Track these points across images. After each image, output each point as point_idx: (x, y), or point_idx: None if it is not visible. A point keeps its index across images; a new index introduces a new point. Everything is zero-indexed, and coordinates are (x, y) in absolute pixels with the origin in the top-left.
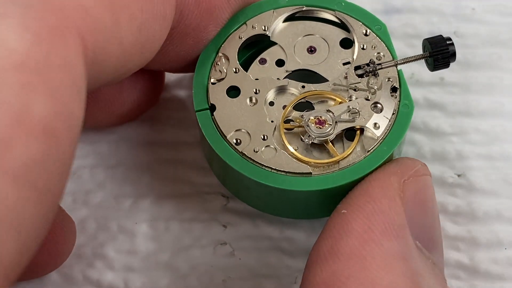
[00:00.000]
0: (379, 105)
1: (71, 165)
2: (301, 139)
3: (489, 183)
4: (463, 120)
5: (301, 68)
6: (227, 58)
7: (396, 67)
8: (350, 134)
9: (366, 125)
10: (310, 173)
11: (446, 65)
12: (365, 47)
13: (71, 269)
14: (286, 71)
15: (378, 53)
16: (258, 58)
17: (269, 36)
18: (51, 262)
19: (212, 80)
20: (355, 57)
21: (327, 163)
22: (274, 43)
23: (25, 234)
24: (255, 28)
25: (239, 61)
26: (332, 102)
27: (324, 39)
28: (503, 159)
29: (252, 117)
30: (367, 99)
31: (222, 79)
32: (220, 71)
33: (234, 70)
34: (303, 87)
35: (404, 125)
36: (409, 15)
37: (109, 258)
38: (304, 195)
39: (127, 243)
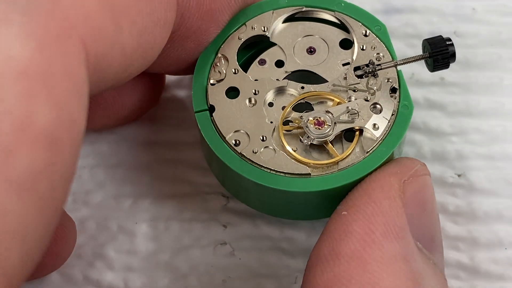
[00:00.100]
0: (378, 106)
1: (74, 172)
2: (300, 140)
3: (489, 183)
4: (463, 120)
5: (300, 69)
6: (227, 59)
7: (396, 67)
8: (349, 135)
9: (365, 126)
10: (309, 174)
11: (446, 65)
12: (364, 48)
13: (71, 269)
14: (286, 72)
15: (378, 53)
16: (258, 59)
17: (268, 37)
18: (52, 262)
19: (211, 81)
20: (354, 57)
21: (326, 164)
22: (273, 44)
23: (29, 243)
24: (254, 28)
25: (238, 62)
26: (331, 103)
27: (323, 40)
28: (503, 159)
29: (251, 118)
30: (366, 100)
31: (222, 80)
32: (219, 72)
33: (234, 71)
34: (303, 88)
35: (404, 126)
36: (409, 15)
37: (109, 258)
38: (303, 196)
39: (127, 243)
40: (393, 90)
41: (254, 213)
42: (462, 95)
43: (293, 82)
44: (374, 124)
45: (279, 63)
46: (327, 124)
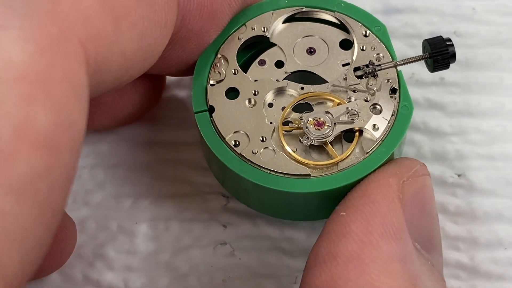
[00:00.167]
0: (378, 106)
1: (74, 175)
2: (300, 141)
3: (489, 183)
4: (463, 120)
5: (300, 69)
6: (226, 60)
7: (396, 68)
8: (349, 135)
9: (365, 127)
10: (309, 174)
11: (446, 66)
12: (364, 48)
13: (71, 269)
14: (285, 72)
15: (378, 54)
16: (257, 60)
17: (268, 38)
18: (52, 263)
19: (211, 82)
20: (354, 58)
21: (326, 164)
22: (273, 44)
23: (28, 246)
24: (254, 29)
25: (238, 63)
26: (331, 104)
27: (323, 40)
28: (504, 159)
29: (251, 118)
30: (366, 101)
31: (221, 80)
32: (219, 72)
33: (233, 72)
34: (302, 88)
35: (403, 126)
36: (409, 15)
37: (109, 258)
38: (303, 196)
39: (127, 243)
40: (393, 91)
41: (254, 213)
42: (462, 95)
43: (293, 82)
44: (374, 125)
45: (279, 64)
46: (326, 125)
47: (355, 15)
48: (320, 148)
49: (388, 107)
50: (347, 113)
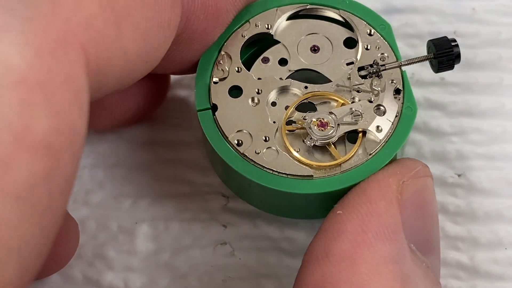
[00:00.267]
0: (382, 107)
1: (74, 181)
2: (303, 141)
3: (489, 183)
4: (463, 120)
5: (304, 67)
6: (230, 57)
7: (400, 68)
8: (352, 136)
9: (369, 128)
10: (312, 175)
11: (450, 66)
12: (369, 48)
13: (71, 269)
14: (289, 70)
15: (382, 53)
16: (261, 57)
17: (272, 35)
18: (54, 264)
19: (214, 79)
20: (358, 57)
21: (329, 166)
22: (276, 41)
23: (26, 255)
24: (258, 26)
25: (241, 59)
26: (334, 104)
27: (327, 38)
28: (504, 159)
29: (254, 117)
30: (370, 101)
31: (225, 78)
32: (222, 70)
33: (237, 69)
34: (306, 87)
35: (407, 128)
36: (409, 15)
37: (109, 258)
38: (305, 197)
39: (127, 243)
40: (397, 91)
41: (254, 213)
42: (462, 95)
43: (297, 81)
44: (378, 126)
45: (283, 62)
46: (330, 126)
47: (360, 13)
48: (323, 148)
49: (392, 108)
50: (351, 114)
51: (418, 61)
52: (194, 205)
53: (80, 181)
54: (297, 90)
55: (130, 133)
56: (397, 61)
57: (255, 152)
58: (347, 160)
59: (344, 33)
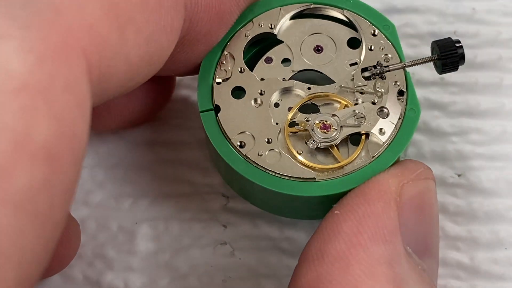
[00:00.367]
0: (385, 109)
1: (76, 188)
2: (306, 143)
3: (489, 183)
4: (463, 120)
5: (307, 68)
6: (233, 57)
7: (404, 69)
8: (355, 138)
9: (372, 131)
10: (314, 178)
11: (454, 68)
12: (372, 48)
13: (71, 269)
14: (292, 71)
15: (386, 54)
16: (264, 57)
17: (275, 35)
18: (55, 265)
19: (217, 80)
20: (362, 58)
21: (331, 168)
22: (279, 41)
23: (26, 263)
24: (261, 26)
25: (243, 59)
26: (338, 105)
27: (331, 38)
28: (504, 159)
29: (256, 119)
30: (373, 103)
31: (227, 78)
32: (225, 70)
33: (240, 70)
34: (309, 88)
35: (410, 130)
36: (409, 15)
37: (109, 258)
38: (308, 200)
39: (127, 243)
40: (400, 93)
41: (254, 213)
42: (462, 95)
43: (300, 82)
44: (381, 129)
45: (286, 61)
46: (333, 128)
47: (364, 12)
48: (326, 150)
49: (395, 110)
50: (354, 116)
51: (422, 62)
52: (194, 205)
53: (80, 181)
54: (300, 91)
55: (130, 133)
56: (401, 62)
57: (258, 154)
58: (350, 163)
59: (348, 33)
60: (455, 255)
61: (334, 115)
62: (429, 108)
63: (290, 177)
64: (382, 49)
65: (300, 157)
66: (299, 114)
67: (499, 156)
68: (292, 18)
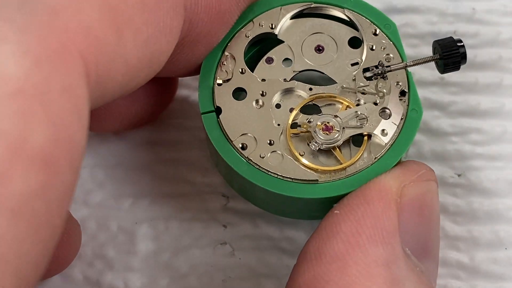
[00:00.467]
0: (387, 110)
1: (73, 192)
2: (308, 144)
3: (489, 183)
4: (463, 120)
5: (308, 68)
6: (234, 58)
7: (406, 69)
8: (357, 139)
9: (374, 132)
10: (317, 180)
11: (456, 67)
12: (374, 48)
13: (71, 269)
14: (293, 71)
15: (387, 54)
16: (265, 57)
17: (276, 35)
18: (56, 266)
19: (218, 81)
20: (363, 58)
21: (334, 170)
22: (280, 41)
23: (24, 269)
24: (262, 26)
25: (244, 59)
26: (339, 106)
27: (332, 38)
28: (504, 159)
29: (258, 120)
30: (375, 104)
31: (228, 80)
32: (226, 71)
33: (241, 71)
34: (311, 89)
35: (412, 131)
36: (409, 15)
37: (109, 258)
38: (310, 201)
39: (127, 243)
40: (402, 93)
41: (254, 213)
42: (462, 95)
43: (301, 83)
44: (383, 130)
45: (287, 62)
46: (335, 130)
47: (365, 11)
48: (328, 151)
49: (397, 111)
50: (356, 117)
51: (424, 62)
52: (194, 205)
53: (80, 181)
54: (302, 92)
55: (130, 133)
56: (402, 62)
57: (260, 156)
58: (352, 164)
59: (349, 33)
60: (455, 255)
61: (336, 116)
62: (429, 108)
63: (292, 179)
64: (384, 48)
65: (302, 159)
66: (301, 115)
67: (499, 156)
68: (292, 17)
